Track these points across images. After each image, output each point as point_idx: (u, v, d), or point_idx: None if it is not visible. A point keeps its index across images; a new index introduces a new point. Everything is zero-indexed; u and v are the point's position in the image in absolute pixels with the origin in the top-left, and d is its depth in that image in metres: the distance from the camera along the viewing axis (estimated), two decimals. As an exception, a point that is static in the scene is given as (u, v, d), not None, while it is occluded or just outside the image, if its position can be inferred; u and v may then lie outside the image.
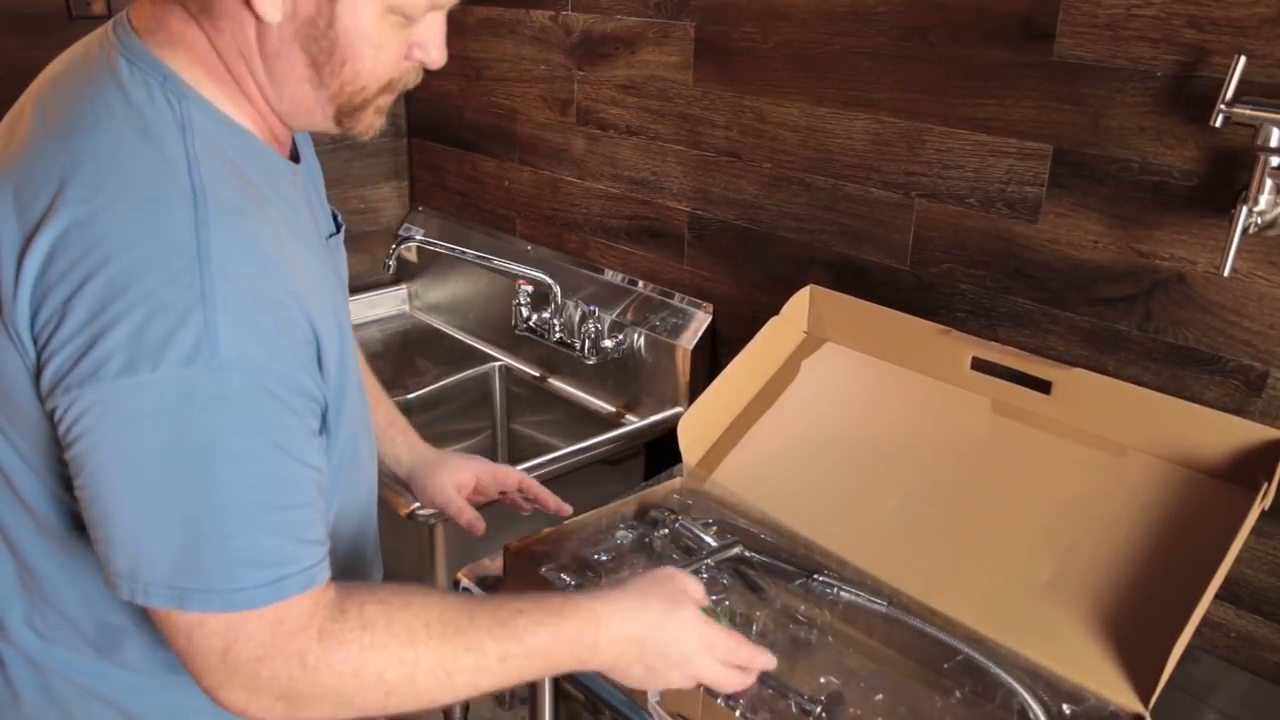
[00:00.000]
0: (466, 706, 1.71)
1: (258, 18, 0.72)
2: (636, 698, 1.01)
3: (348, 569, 0.97)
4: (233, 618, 0.69)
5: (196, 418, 0.66)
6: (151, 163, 0.70)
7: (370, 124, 0.82)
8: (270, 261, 0.71)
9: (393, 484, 1.22)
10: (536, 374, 1.94)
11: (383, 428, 1.18)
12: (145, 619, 0.80)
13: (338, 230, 0.98)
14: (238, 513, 0.68)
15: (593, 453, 1.58)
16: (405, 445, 1.20)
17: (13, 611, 0.81)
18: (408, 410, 1.93)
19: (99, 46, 0.76)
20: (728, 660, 0.87)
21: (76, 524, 0.76)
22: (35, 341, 0.68)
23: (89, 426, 0.66)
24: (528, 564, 1.14)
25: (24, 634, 0.82)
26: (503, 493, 1.23)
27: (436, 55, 0.80)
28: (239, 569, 0.69)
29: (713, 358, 1.67)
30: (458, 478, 1.19)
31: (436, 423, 1.96)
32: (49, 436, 0.72)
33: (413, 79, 0.82)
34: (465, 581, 1.22)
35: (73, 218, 0.67)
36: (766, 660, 0.90)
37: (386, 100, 0.81)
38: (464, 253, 1.88)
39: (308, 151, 0.93)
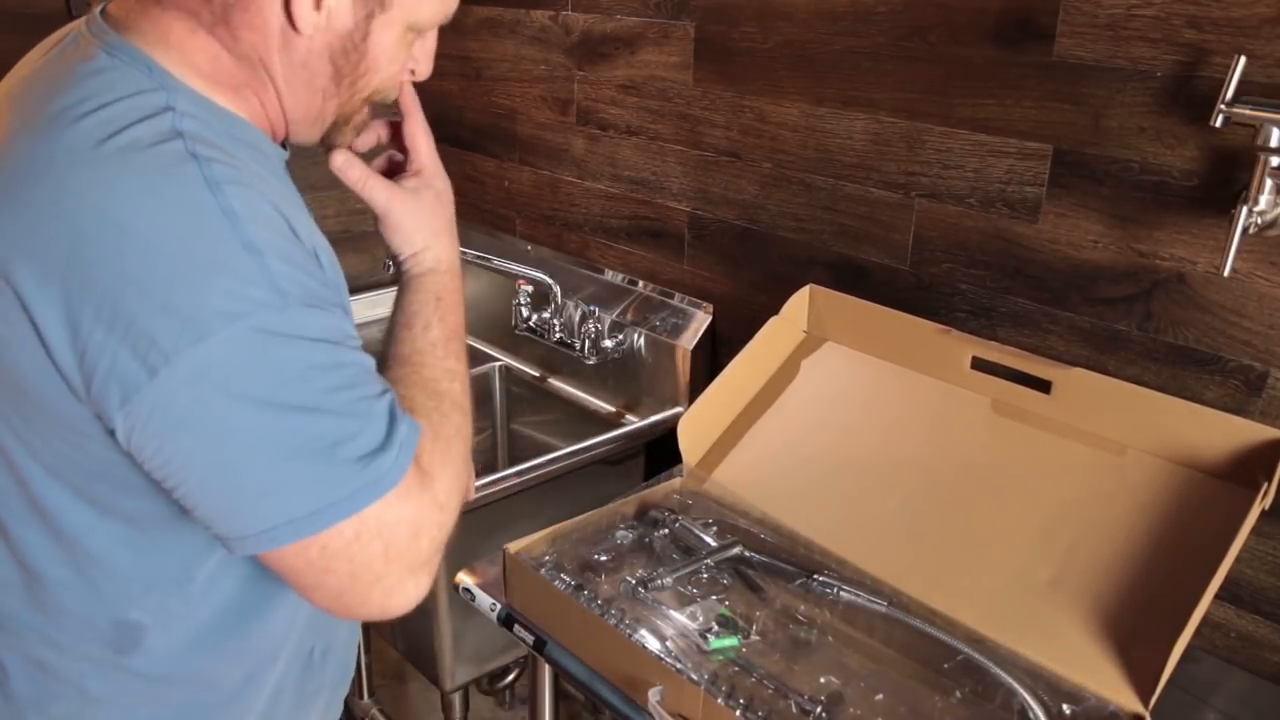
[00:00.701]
0: (467, 706, 1.72)
1: (296, 30, 0.74)
2: (637, 698, 1.01)
3: None
4: (378, 511, 0.70)
5: (282, 355, 0.67)
6: (144, 140, 0.69)
7: (346, 141, 0.87)
8: (275, 207, 0.72)
9: None
10: (536, 374, 1.94)
11: None
12: (166, 616, 0.80)
13: None
14: (352, 412, 0.70)
15: (593, 453, 1.58)
16: None
17: (16, 621, 0.81)
18: (408, 410, 1.94)
19: (73, 41, 0.76)
20: None
21: (98, 524, 0.76)
22: (76, 335, 0.66)
23: (186, 410, 0.66)
24: (527, 564, 1.14)
25: (29, 643, 0.81)
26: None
27: (427, 67, 0.86)
28: (375, 458, 0.70)
29: (713, 358, 1.67)
30: None
31: (436, 423, 1.96)
32: (73, 441, 0.71)
33: (393, 94, 0.87)
34: (466, 582, 1.22)
35: (76, 210, 0.66)
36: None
37: (364, 117, 0.86)
38: (464, 253, 1.88)
39: None
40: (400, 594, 0.74)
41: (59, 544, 0.77)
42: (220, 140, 0.73)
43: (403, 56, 0.81)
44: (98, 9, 0.77)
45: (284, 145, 0.85)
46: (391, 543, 0.72)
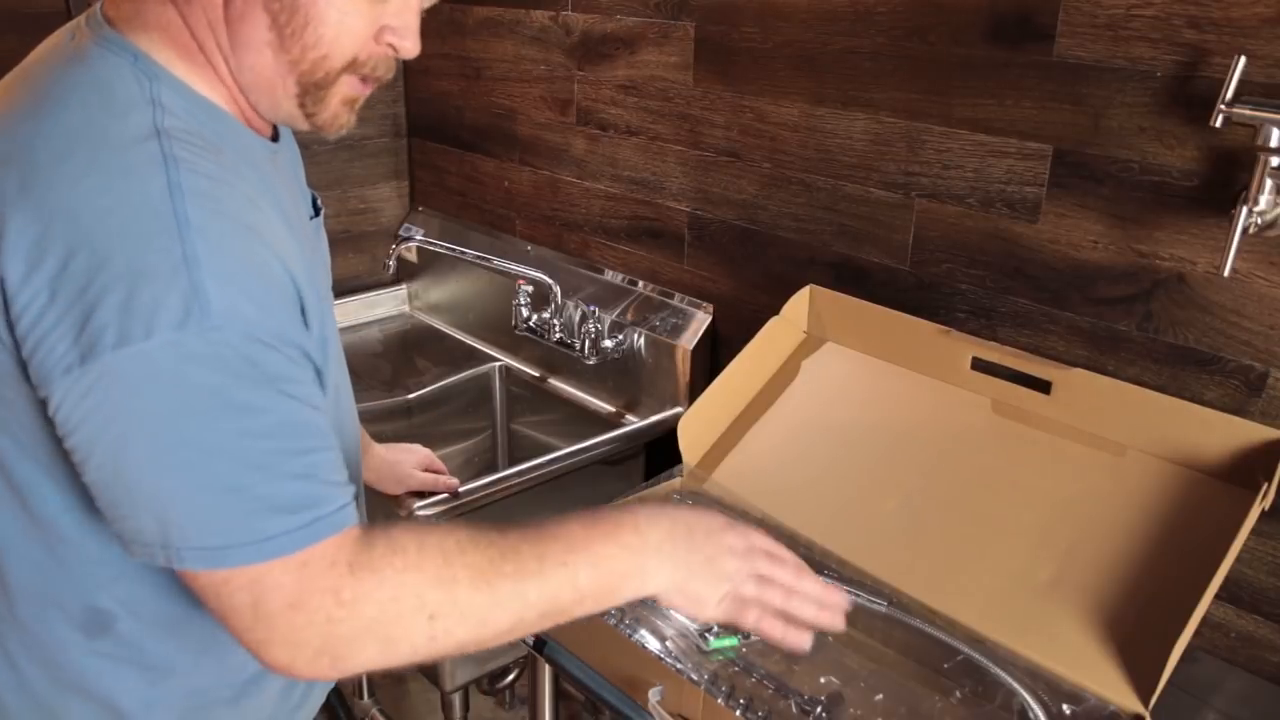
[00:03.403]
0: (467, 706, 1.72)
1: None
2: (637, 698, 1.01)
3: None
4: (258, 569, 0.68)
5: (197, 379, 0.66)
6: (120, 136, 0.69)
7: (336, 115, 0.80)
8: (246, 226, 0.71)
9: None
10: (536, 374, 1.94)
11: None
12: (134, 605, 0.80)
13: (316, 213, 0.98)
14: (256, 463, 0.68)
15: (593, 453, 1.58)
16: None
17: None
18: (408, 410, 1.94)
19: (70, 36, 0.77)
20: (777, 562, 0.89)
21: (71, 507, 0.76)
22: (13, 325, 0.67)
23: (95, 405, 0.66)
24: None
25: (3, 632, 0.81)
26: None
27: (410, 45, 0.78)
28: (267, 518, 0.68)
29: (713, 358, 1.67)
30: (417, 460, 1.37)
31: (436, 423, 1.96)
32: (45, 421, 0.71)
33: (384, 70, 0.80)
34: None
35: (43, 199, 0.66)
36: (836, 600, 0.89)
37: (354, 89, 0.79)
38: (464, 253, 1.88)
39: (286, 134, 0.93)
40: (271, 653, 0.71)
41: (38, 526, 0.77)
42: (205, 131, 0.73)
43: (359, 12, 0.75)
44: (97, 4, 0.78)
45: (275, 137, 0.85)
46: (261, 602, 0.69)
